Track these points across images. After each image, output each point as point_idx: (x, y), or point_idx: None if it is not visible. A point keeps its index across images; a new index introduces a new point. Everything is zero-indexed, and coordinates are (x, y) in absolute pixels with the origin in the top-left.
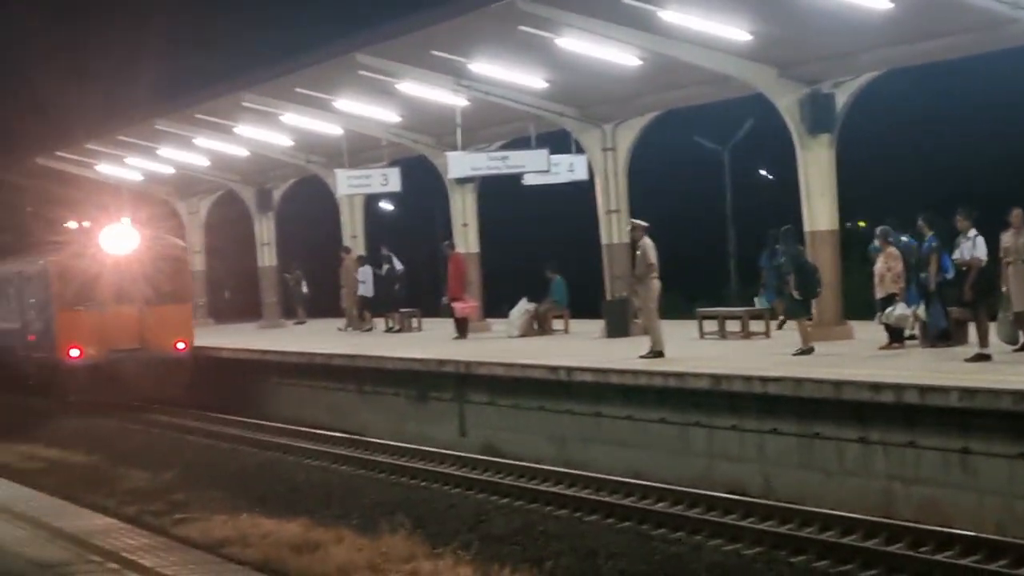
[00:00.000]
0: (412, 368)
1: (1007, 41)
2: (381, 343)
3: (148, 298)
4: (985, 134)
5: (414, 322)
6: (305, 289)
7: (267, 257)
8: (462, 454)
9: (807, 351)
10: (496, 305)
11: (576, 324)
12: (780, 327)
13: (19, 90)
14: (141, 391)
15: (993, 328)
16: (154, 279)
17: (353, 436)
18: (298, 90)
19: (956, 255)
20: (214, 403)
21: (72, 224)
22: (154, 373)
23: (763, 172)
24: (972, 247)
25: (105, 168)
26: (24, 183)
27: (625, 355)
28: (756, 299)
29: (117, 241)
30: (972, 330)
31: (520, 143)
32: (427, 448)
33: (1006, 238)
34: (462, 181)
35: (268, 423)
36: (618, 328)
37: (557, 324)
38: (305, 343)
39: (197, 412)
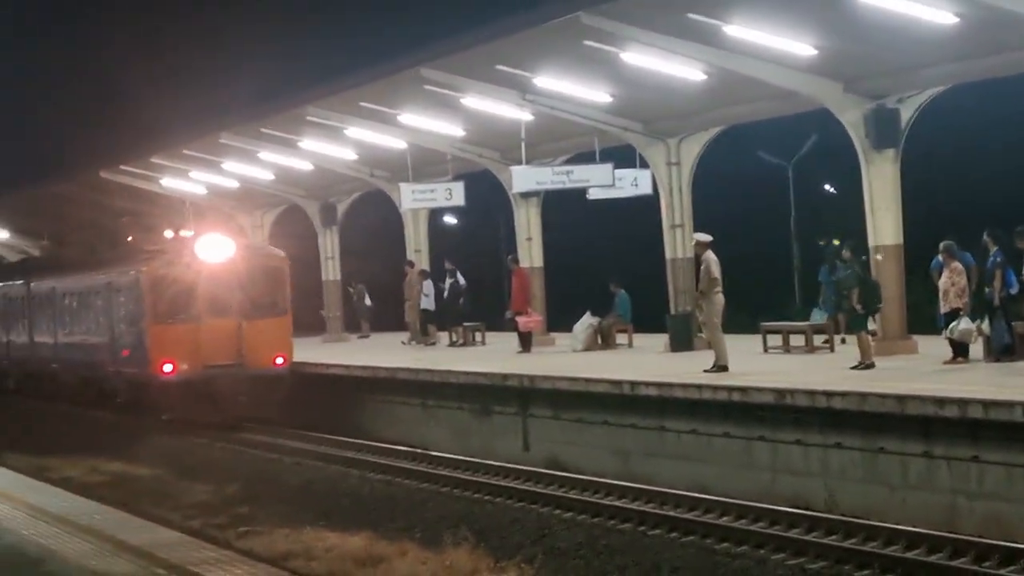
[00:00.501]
0: (476, 382)
1: None
2: (444, 357)
3: (246, 310)
4: None
5: (477, 336)
6: (368, 302)
7: (331, 271)
8: (525, 468)
9: (868, 365)
10: (560, 319)
11: (640, 338)
12: (843, 341)
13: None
14: (237, 409)
15: None
16: (252, 290)
17: (417, 450)
18: (363, 104)
19: None
20: (277, 417)
21: (168, 233)
22: (251, 390)
23: (827, 187)
24: None
25: (169, 182)
26: (90, 195)
27: (689, 369)
28: (815, 312)
29: (214, 250)
30: None
31: (584, 157)
32: (490, 462)
33: None
34: (526, 195)
35: (332, 437)
36: (682, 342)
37: (621, 338)
38: (369, 357)
39: (258, 426)
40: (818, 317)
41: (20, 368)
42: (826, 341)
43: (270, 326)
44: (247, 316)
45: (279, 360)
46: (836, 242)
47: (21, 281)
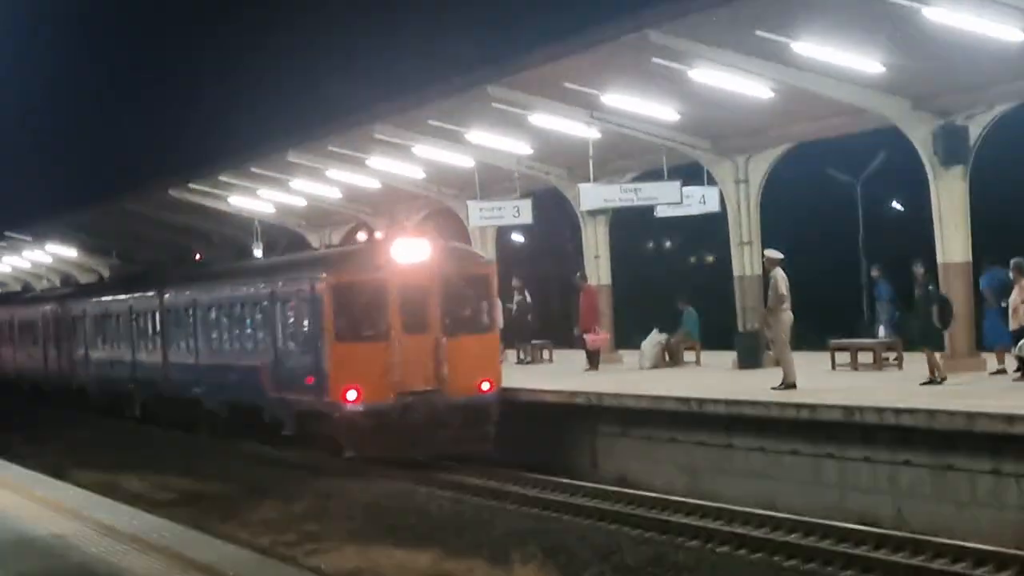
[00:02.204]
0: (544, 400)
1: None
2: (513, 374)
3: (447, 326)
4: None
5: (545, 353)
6: None
7: None
8: (593, 485)
9: (937, 381)
10: (628, 337)
11: (708, 356)
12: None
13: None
14: (437, 446)
15: None
16: (455, 302)
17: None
18: (430, 122)
19: None
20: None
21: (362, 236)
22: (453, 422)
23: (895, 204)
24: None
25: (237, 200)
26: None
27: (757, 387)
28: (881, 328)
29: (409, 254)
30: None
31: (652, 175)
32: (558, 479)
33: None
34: (594, 213)
35: None
36: (750, 360)
37: (688, 355)
38: None
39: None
40: (883, 334)
41: (150, 392)
42: (896, 358)
43: (475, 344)
44: (448, 332)
45: (485, 385)
46: (875, 273)
47: (152, 292)
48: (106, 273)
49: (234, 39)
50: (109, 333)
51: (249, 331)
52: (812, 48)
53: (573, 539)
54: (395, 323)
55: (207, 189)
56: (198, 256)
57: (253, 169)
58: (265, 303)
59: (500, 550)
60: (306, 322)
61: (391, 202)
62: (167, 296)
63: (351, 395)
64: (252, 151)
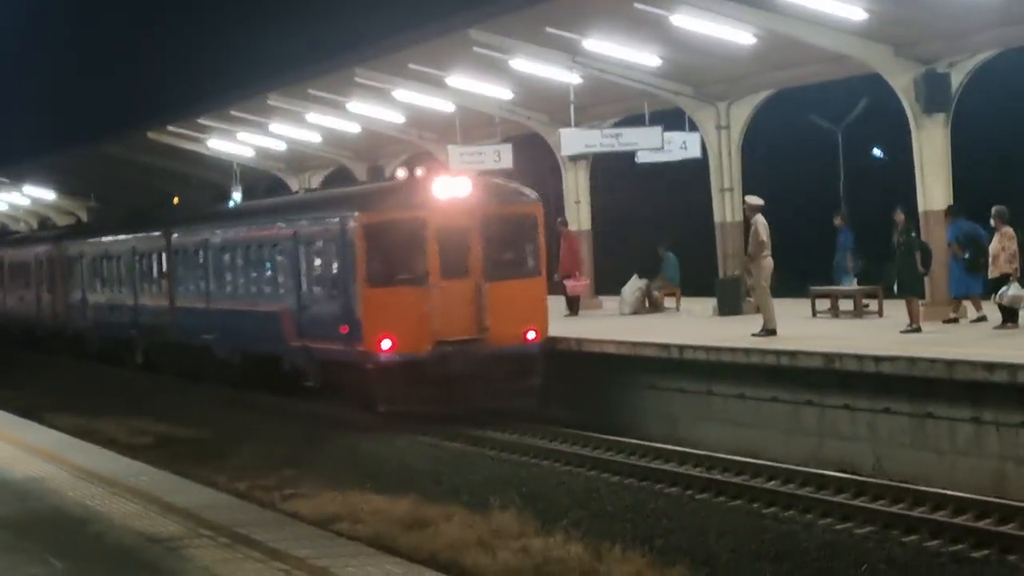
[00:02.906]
0: None
1: None
2: None
3: (490, 270)
4: None
5: None
6: None
7: None
8: (573, 431)
9: (916, 329)
10: (608, 282)
11: (688, 302)
12: (867, 306)
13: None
14: (476, 399)
15: None
16: (498, 244)
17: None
18: (411, 66)
19: None
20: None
21: (401, 173)
22: (496, 373)
23: (877, 152)
24: None
25: (216, 143)
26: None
27: (737, 333)
28: (844, 278)
29: (448, 192)
30: None
31: (634, 120)
32: (537, 424)
33: None
34: (575, 158)
35: None
36: (730, 306)
37: (669, 302)
38: None
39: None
40: (846, 283)
41: (155, 339)
42: (873, 306)
43: (520, 290)
44: (490, 277)
45: (530, 334)
46: (837, 221)
47: (158, 233)
48: (84, 216)
49: None
50: (109, 276)
51: (268, 274)
52: None
53: (552, 486)
54: (433, 266)
55: (186, 132)
56: (176, 199)
57: (233, 112)
58: (287, 244)
59: (479, 496)
60: (335, 265)
61: (372, 147)
62: (175, 237)
63: (385, 344)
64: (233, 93)
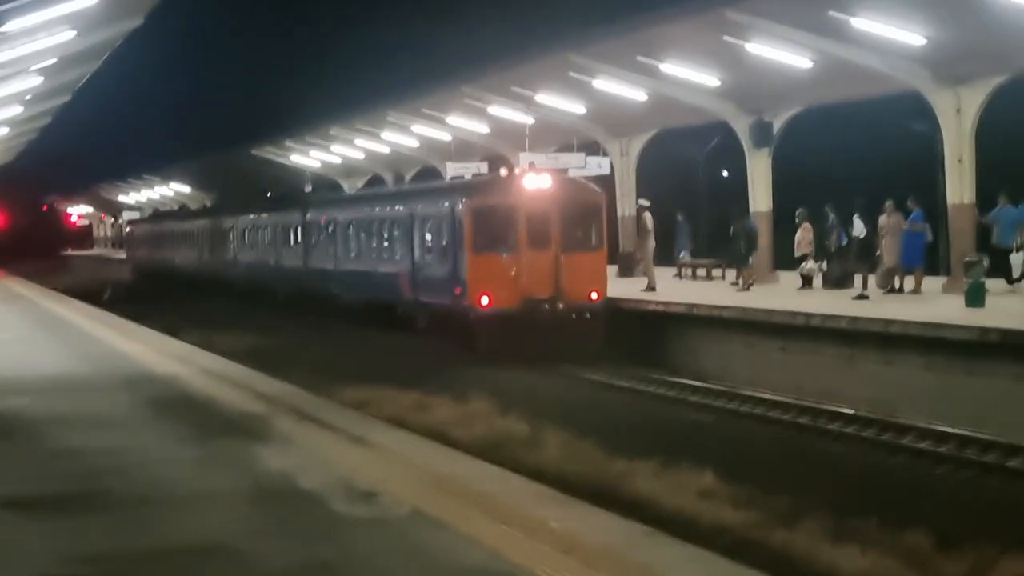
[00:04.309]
0: None
1: None
2: None
3: (564, 244)
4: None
5: None
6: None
7: None
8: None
9: (747, 289)
10: None
11: None
12: (710, 275)
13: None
14: (553, 345)
15: (872, 278)
16: (571, 225)
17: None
18: (514, 89)
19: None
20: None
21: (503, 172)
22: (567, 325)
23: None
24: (861, 226)
25: (296, 158)
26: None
27: (630, 289)
28: (682, 253)
29: (535, 184)
30: (858, 279)
31: (567, 147)
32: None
33: (882, 219)
34: None
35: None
36: (627, 271)
37: None
38: None
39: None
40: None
41: (292, 287)
42: (709, 275)
43: (586, 260)
44: (565, 249)
45: (594, 295)
46: (679, 216)
47: (296, 211)
48: (209, 203)
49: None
50: (255, 241)
51: (387, 244)
52: (674, 68)
53: (508, 383)
54: (522, 240)
55: (274, 150)
56: (268, 194)
57: (358, 125)
58: (404, 221)
59: (460, 392)
60: (446, 238)
61: (459, 151)
62: (308, 215)
63: (484, 300)
64: (355, 108)
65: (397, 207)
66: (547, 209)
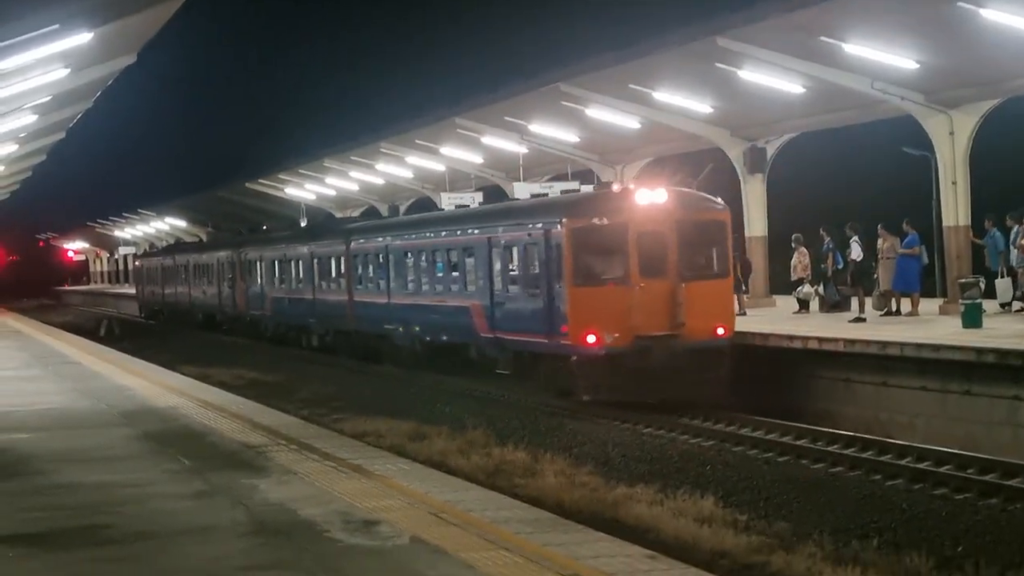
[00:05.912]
0: None
1: None
2: None
3: (684, 271)
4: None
5: None
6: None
7: None
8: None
9: (742, 313)
10: None
11: None
12: None
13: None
14: (672, 390)
15: (869, 301)
16: (691, 248)
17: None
18: (507, 119)
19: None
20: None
21: (616, 187)
22: (689, 365)
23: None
24: (858, 249)
25: (291, 190)
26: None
27: None
28: None
29: (648, 200)
30: (855, 302)
31: (560, 176)
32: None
33: (879, 243)
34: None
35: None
36: None
37: None
38: None
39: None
40: None
41: (332, 326)
42: None
43: (710, 290)
44: (684, 277)
45: (720, 330)
46: None
47: (338, 241)
48: (204, 237)
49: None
50: (287, 274)
51: (456, 273)
52: (667, 96)
53: (505, 414)
54: (634, 267)
55: (269, 183)
56: (264, 227)
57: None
58: (479, 248)
59: (458, 422)
60: (536, 265)
61: (452, 180)
62: (353, 244)
63: (590, 339)
64: (348, 140)
65: (471, 231)
66: (663, 229)
